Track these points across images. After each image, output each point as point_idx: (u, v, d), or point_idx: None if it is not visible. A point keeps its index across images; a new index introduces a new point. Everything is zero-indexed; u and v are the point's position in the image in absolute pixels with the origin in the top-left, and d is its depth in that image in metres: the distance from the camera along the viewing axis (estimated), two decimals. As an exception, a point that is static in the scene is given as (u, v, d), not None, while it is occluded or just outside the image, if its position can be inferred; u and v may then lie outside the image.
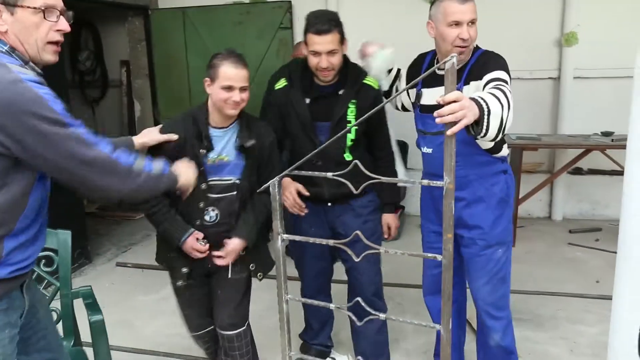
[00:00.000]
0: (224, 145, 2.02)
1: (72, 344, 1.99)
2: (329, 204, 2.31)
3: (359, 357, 1.60)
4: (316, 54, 2.07)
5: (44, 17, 1.32)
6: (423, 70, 2.13)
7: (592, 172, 4.73)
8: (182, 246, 2.03)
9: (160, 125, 2.07)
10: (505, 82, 1.82)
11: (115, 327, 2.04)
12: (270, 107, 2.30)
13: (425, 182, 1.35)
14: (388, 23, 4.61)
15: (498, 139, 1.70)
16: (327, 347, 2.68)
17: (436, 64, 2.06)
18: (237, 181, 2.05)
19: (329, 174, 1.44)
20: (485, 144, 2.01)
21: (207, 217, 2.05)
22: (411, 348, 2.80)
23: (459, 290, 2.32)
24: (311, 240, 1.64)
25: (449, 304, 1.39)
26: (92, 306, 1.94)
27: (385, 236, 2.38)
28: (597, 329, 2.90)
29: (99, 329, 1.84)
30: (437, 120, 1.23)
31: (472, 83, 1.94)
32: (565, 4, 4.46)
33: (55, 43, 1.37)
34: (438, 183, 1.29)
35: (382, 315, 1.47)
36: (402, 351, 2.74)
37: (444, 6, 1.92)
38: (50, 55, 1.37)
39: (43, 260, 1.96)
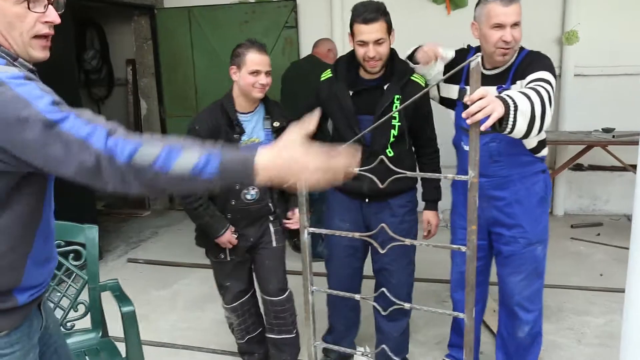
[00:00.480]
0: (253, 128, 2.20)
1: (100, 335, 2.06)
2: (366, 200, 2.30)
3: (384, 346, 1.67)
4: (363, 43, 2.05)
5: (29, 8, 1.13)
6: (465, 66, 2.14)
7: (592, 168, 4.81)
8: (218, 238, 2.21)
9: None
10: (547, 81, 1.83)
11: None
12: (305, 96, 2.34)
13: (451, 176, 1.42)
14: (395, 22, 4.67)
15: (532, 135, 1.72)
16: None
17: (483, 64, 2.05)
18: None
19: (356, 169, 1.51)
20: (530, 143, 2.04)
21: (248, 196, 2.23)
22: (424, 340, 2.88)
23: (483, 290, 2.37)
24: (337, 233, 1.71)
25: (472, 294, 1.46)
26: (122, 298, 2.00)
27: (425, 233, 2.37)
28: (603, 319, 2.99)
29: (131, 319, 1.90)
30: (468, 121, 1.27)
31: (518, 82, 1.95)
32: (565, 2, 4.54)
33: (44, 37, 1.18)
34: (463, 177, 1.35)
35: (407, 305, 1.54)
36: (416, 342, 2.81)
37: (487, 8, 1.92)
38: (38, 52, 1.18)
39: (72, 254, 2.03)
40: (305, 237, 1.57)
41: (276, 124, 2.22)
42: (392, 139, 2.18)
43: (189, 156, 1.02)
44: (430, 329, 2.96)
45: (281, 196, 2.35)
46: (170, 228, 5.04)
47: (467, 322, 1.45)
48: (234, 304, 2.40)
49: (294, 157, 1.03)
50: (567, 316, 3.06)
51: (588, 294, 3.31)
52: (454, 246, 1.46)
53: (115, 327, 2.18)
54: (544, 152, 2.13)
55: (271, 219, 2.34)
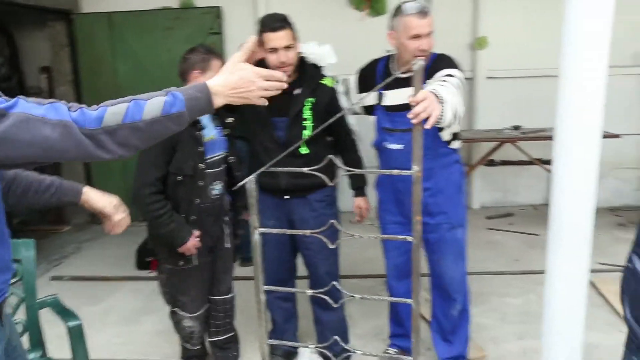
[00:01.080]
0: (207, 125, 2.22)
1: (40, 355, 1.97)
2: (286, 197, 2.41)
3: (336, 337, 1.74)
4: (274, 50, 2.22)
5: None
6: (377, 74, 2.35)
7: (504, 163, 5.23)
8: (183, 245, 2.16)
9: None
10: (453, 75, 2.08)
11: (65, 339, 2.04)
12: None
13: (397, 171, 1.53)
14: (315, 27, 4.79)
15: (454, 124, 1.95)
16: (294, 348, 2.72)
17: (397, 68, 2.28)
18: (227, 154, 2.30)
19: (305, 169, 1.58)
20: (446, 135, 2.25)
21: (214, 192, 2.23)
22: (362, 332, 3.00)
23: None
24: (288, 232, 1.78)
25: (418, 281, 1.59)
26: (66, 313, 1.93)
27: (357, 218, 2.53)
28: (521, 300, 3.29)
29: (78, 334, 1.85)
30: (414, 120, 1.39)
31: (428, 82, 2.15)
32: (476, 11, 4.92)
33: None
34: (407, 172, 1.48)
35: (357, 296, 1.63)
36: (355, 335, 2.91)
37: (404, 21, 2.14)
38: None
39: (6, 272, 1.92)
40: (256, 238, 1.63)
41: (229, 120, 2.30)
42: (305, 138, 2.33)
43: (154, 101, 1.08)
44: (368, 321, 3.10)
45: (236, 194, 2.39)
46: (93, 242, 4.83)
47: (415, 307, 1.57)
48: (200, 312, 2.35)
49: (243, 75, 1.18)
50: (488, 299, 3.32)
51: (506, 278, 3.62)
52: (400, 237, 1.58)
53: (50, 348, 2.09)
54: (457, 144, 2.36)
55: (225, 219, 2.38)
